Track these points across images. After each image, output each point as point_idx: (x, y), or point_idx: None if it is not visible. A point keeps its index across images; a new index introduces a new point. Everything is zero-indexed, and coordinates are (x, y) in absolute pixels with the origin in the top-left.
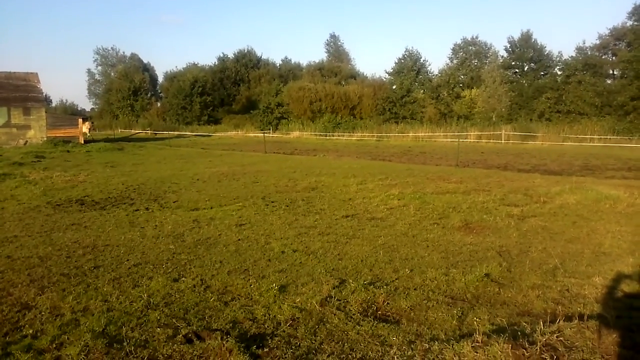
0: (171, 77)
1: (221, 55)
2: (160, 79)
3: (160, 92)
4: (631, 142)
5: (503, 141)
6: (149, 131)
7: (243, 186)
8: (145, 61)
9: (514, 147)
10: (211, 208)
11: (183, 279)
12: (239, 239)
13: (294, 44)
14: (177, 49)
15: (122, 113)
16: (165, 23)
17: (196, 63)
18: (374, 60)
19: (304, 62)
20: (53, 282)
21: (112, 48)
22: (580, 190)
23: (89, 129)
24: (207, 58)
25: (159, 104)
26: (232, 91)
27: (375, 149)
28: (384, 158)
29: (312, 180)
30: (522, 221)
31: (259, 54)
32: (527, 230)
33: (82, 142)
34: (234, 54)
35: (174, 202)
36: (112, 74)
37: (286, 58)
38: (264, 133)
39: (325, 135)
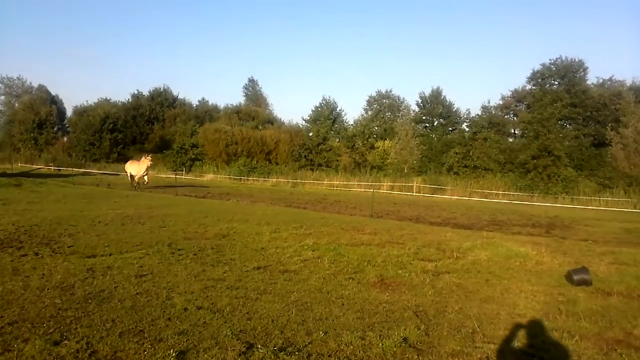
0: (81, 112)
1: (135, 92)
2: (69, 112)
3: (68, 127)
4: (532, 200)
5: (414, 193)
6: (52, 167)
7: (149, 231)
8: (53, 93)
9: (424, 199)
10: (110, 255)
11: (66, 341)
12: (137, 293)
13: (211, 86)
14: (89, 83)
15: (25, 146)
16: (77, 56)
17: (108, 99)
18: (291, 107)
19: (221, 104)
20: None
21: (17, 78)
22: (491, 246)
23: None
24: (121, 94)
25: (65, 139)
26: (145, 129)
27: (290, 195)
28: (298, 205)
29: (224, 227)
30: (437, 277)
31: (175, 93)
32: (442, 288)
33: None
34: (149, 92)
35: (68, 247)
36: (17, 104)
37: (203, 99)
38: (176, 174)
39: (240, 179)
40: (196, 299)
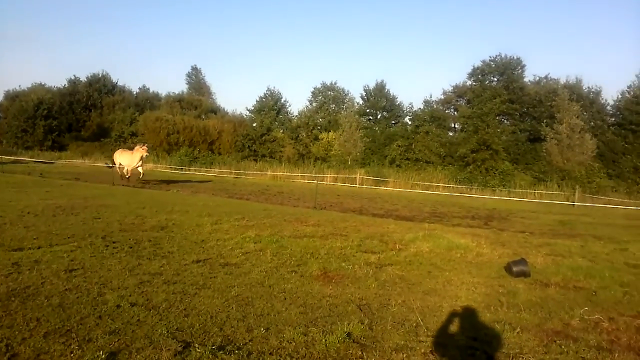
0: (13, 96)
1: (72, 77)
2: (0, 97)
3: None
4: (471, 192)
5: (358, 185)
6: None
7: (82, 222)
8: None
9: (367, 191)
10: (38, 248)
11: None
12: (66, 289)
13: (153, 73)
14: (22, 66)
15: None
16: (8, 35)
17: (43, 84)
18: (235, 97)
19: (163, 92)
20: None
21: None
22: (433, 238)
23: None
24: (57, 79)
25: None
26: (82, 116)
27: (233, 186)
28: (241, 196)
29: (163, 218)
30: (380, 270)
31: (114, 80)
32: (385, 281)
33: None
34: (87, 78)
35: None
36: None
37: (144, 87)
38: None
39: (182, 169)
40: (130, 295)
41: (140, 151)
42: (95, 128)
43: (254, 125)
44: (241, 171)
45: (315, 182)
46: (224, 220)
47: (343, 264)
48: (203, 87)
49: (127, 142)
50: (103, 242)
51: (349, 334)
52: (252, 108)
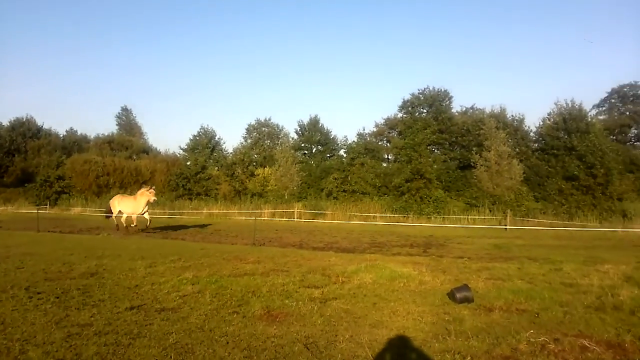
0: None
1: None
2: None
3: None
4: (407, 220)
5: (296, 219)
6: None
7: (3, 274)
8: None
9: (306, 225)
10: None
11: None
12: None
13: (81, 115)
14: None
15: None
16: None
17: None
18: (168, 136)
19: (92, 134)
20: None
21: None
22: (375, 268)
23: None
24: None
25: None
26: (4, 162)
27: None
28: (176, 237)
29: (92, 264)
30: (325, 305)
31: (39, 124)
32: (330, 316)
33: None
34: (10, 122)
35: None
36: None
37: (71, 129)
38: (38, 209)
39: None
40: (56, 351)
41: (145, 195)
42: (19, 173)
43: (188, 163)
44: (176, 210)
45: (253, 218)
46: (159, 263)
47: (286, 301)
48: (134, 128)
49: (54, 186)
50: (26, 293)
51: None
52: (186, 147)
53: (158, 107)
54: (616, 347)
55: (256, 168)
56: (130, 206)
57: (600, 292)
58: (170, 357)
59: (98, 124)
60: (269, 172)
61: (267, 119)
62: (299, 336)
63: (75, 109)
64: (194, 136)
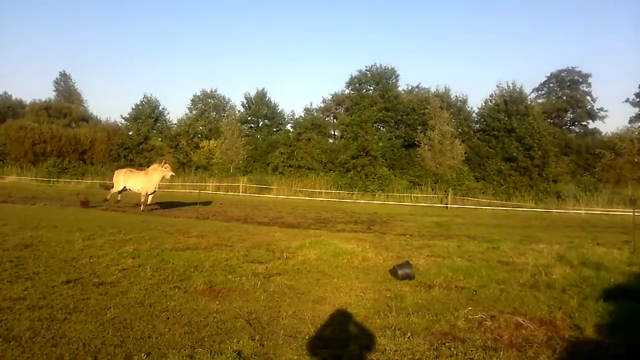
0: None
1: None
2: None
3: None
4: (352, 197)
5: (241, 193)
6: None
7: None
8: None
9: (251, 199)
10: None
11: None
12: None
13: (16, 79)
14: None
15: None
16: None
17: None
18: (110, 104)
19: (27, 99)
20: None
21: None
22: (319, 244)
23: None
24: None
25: None
26: None
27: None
28: (117, 209)
29: (27, 236)
30: (268, 280)
31: None
32: (274, 291)
33: None
34: None
35: None
36: None
37: (5, 93)
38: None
39: (49, 181)
40: None
41: (159, 171)
42: None
43: (130, 133)
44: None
45: (197, 191)
46: (98, 235)
47: (229, 276)
48: (73, 94)
49: None
50: None
51: (239, 353)
52: (128, 116)
53: (99, 73)
54: (548, 324)
55: (201, 140)
56: (140, 182)
57: (535, 270)
58: (108, 332)
59: (34, 89)
60: (215, 145)
61: (214, 90)
62: (242, 312)
63: (10, 72)
64: (137, 105)
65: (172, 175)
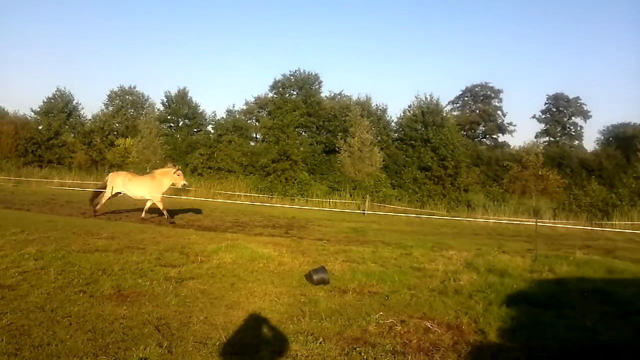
0: None
1: None
2: None
3: None
4: (271, 201)
5: None
6: None
7: None
8: None
9: (167, 201)
10: None
11: None
12: None
13: None
14: None
15: None
16: None
17: None
18: (18, 96)
19: None
20: None
21: None
22: (235, 248)
23: None
24: None
25: None
26: None
27: (12, 195)
28: (21, 207)
29: None
30: (181, 285)
31: None
32: (186, 296)
33: None
34: None
35: None
36: None
37: None
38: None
39: None
40: None
41: (170, 177)
42: None
43: (40, 127)
44: (22, 178)
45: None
46: None
47: (140, 280)
48: None
49: None
50: None
51: None
52: (39, 109)
53: (7, 62)
54: (455, 329)
55: (117, 138)
56: (146, 188)
57: (444, 276)
58: (2, 339)
59: None
60: (131, 143)
61: (132, 87)
62: (151, 317)
63: None
64: (49, 98)
65: (184, 184)
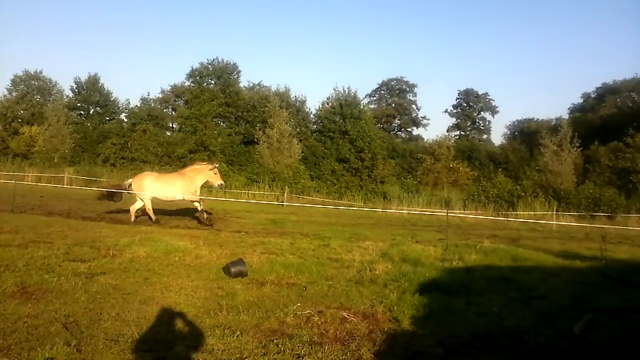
0: None
1: None
2: None
3: None
4: None
5: (66, 185)
6: None
7: None
8: None
9: (77, 192)
10: None
11: None
12: None
13: None
14: None
15: None
16: None
17: None
18: None
19: None
20: None
21: None
22: (150, 241)
23: None
24: None
25: None
26: None
27: None
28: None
29: None
30: (91, 280)
31: None
32: (96, 292)
33: None
34: None
35: None
36: None
37: None
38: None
39: None
40: None
41: (204, 174)
42: None
43: None
44: None
45: (14, 181)
46: None
47: (46, 276)
48: None
49: None
50: None
51: None
52: None
53: None
54: (370, 318)
55: (22, 125)
56: (175, 188)
57: (361, 266)
58: None
59: None
60: (37, 132)
61: (38, 71)
62: (58, 315)
63: None
64: None
65: (221, 184)
